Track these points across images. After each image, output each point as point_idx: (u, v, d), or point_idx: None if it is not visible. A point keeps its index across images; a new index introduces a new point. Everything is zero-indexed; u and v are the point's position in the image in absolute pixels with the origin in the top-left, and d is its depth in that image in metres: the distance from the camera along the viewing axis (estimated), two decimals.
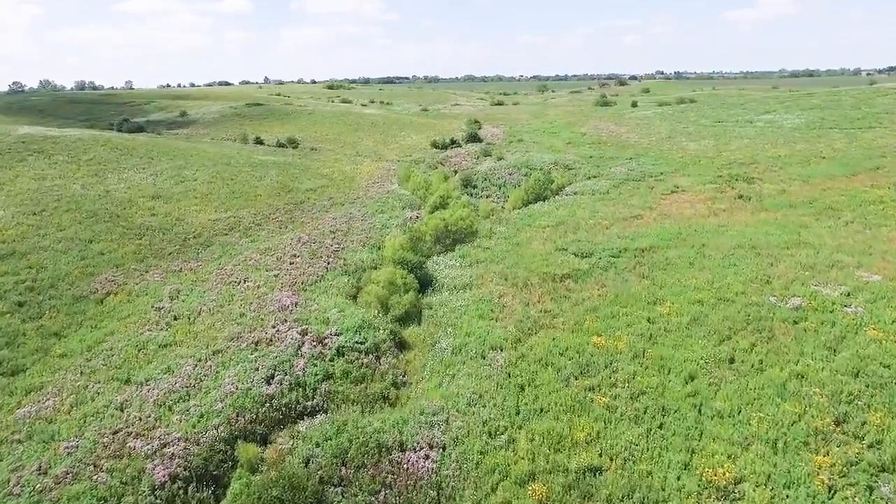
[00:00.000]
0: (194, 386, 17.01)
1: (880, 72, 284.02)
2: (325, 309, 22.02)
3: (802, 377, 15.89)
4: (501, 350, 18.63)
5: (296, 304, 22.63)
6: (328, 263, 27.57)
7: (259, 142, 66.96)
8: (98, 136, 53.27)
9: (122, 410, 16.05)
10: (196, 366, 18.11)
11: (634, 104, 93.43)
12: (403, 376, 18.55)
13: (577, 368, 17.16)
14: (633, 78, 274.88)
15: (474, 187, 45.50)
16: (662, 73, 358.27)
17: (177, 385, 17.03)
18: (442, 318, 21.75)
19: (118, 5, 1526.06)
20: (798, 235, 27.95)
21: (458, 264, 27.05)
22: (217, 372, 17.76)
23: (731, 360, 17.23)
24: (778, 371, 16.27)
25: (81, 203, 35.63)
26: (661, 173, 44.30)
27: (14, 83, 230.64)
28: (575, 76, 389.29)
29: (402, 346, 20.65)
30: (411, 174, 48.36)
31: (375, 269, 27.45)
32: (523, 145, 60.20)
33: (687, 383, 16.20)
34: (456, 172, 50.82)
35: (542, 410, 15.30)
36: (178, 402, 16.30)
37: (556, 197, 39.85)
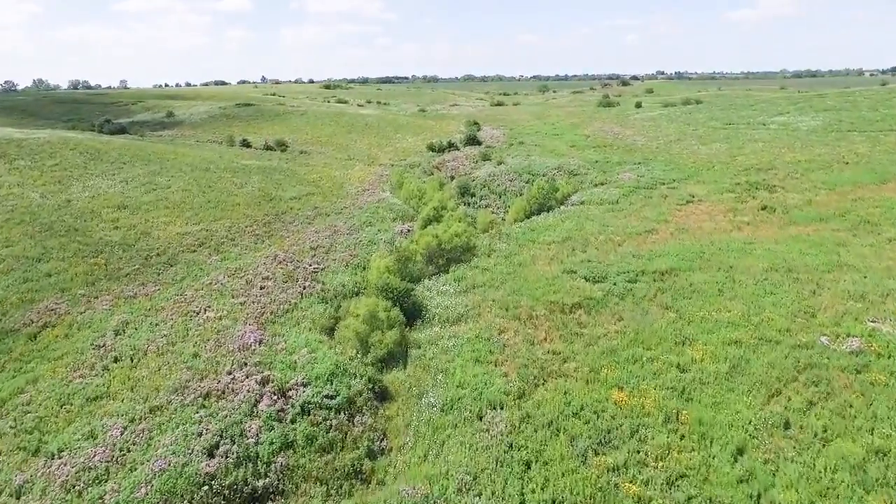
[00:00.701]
0: (117, 460, 13.62)
1: (883, 72, 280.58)
2: (293, 349, 18.63)
3: (884, 455, 12.56)
4: (502, 408, 15.26)
5: (260, 341, 19.25)
6: (304, 288, 24.16)
7: (246, 144, 63.54)
8: (68, 138, 49.76)
9: (17, 498, 12.66)
10: (125, 429, 14.72)
11: (639, 105, 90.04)
12: (382, 440, 15.15)
13: (595, 437, 13.81)
14: (635, 78, 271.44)
15: (472, 195, 42.14)
16: (663, 72, 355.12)
17: (96, 458, 13.63)
18: (431, 360, 18.36)
19: (118, 4, 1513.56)
20: (838, 255, 24.66)
21: (451, 290, 23.60)
22: (150, 438, 14.37)
23: (787, 426, 13.92)
24: (850, 444, 12.94)
25: (38, 214, 32.25)
26: (674, 180, 40.94)
27: (6, 82, 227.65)
28: (576, 76, 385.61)
29: (382, 395, 17.24)
30: (405, 180, 44.94)
31: (358, 294, 24.11)
32: (524, 148, 56.73)
33: (736, 460, 12.88)
34: (453, 178, 47.48)
35: (553, 502, 11.94)
36: (93, 484, 12.91)
37: (562, 207, 36.49)
